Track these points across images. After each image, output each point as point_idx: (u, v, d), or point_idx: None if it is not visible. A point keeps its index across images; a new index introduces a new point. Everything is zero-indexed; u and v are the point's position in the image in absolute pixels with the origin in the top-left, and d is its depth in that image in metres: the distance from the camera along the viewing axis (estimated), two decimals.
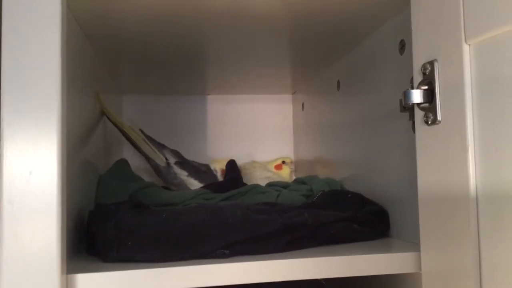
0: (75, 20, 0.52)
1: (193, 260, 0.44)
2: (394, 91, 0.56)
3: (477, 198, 0.38)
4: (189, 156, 0.91)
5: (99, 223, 0.47)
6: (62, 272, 0.38)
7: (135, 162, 0.85)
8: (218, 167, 0.88)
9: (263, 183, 0.78)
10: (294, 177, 0.96)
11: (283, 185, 0.75)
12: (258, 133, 1.05)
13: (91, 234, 0.49)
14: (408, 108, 0.47)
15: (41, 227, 0.37)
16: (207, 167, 0.86)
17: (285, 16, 0.54)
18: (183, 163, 0.83)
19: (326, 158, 0.84)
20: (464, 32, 0.39)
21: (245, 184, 0.78)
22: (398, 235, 0.55)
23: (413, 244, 0.50)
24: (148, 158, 0.81)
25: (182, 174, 0.81)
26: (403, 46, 0.54)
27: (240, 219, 0.48)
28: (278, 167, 0.94)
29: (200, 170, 0.83)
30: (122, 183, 0.65)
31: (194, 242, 0.45)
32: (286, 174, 0.95)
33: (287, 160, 0.97)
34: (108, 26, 0.56)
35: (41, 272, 0.37)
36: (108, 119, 0.73)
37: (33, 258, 0.37)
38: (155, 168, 0.82)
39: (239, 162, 0.96)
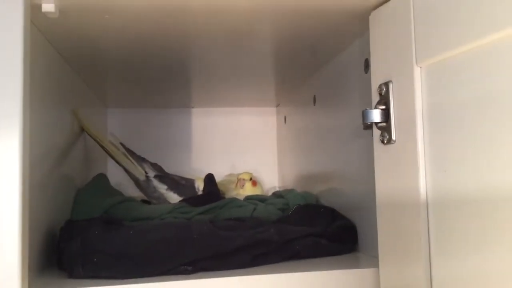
0: (47, 40, 0.53)
1: (155, 277, 0.45)
2: (361, 108, 0.57)
3: (428, 216, 0.39)
4: (174, 168, 0.93)
5: (66, 240, 0.49)
6: None
7: (120, 175, 0.86)
8: (201, 185, 0.87)
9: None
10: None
11: (261, 199, 0.76)
12: (243, 145, 1.06)
13: (59, 250, 0.50)
14: (369, 126, 0.48)
15: (3, 247, 0.38)
16: (188, 180, 0.86)
17: (265, 28, 0.56)
18: (163, 176, 0.84)
19: (305, 171, 0.85)
20: (415, 54, 0.40)
21: (223, 198, 0.79)
22: (367, 249, 0.56)
23: (378, 260, 0.51)
24: (128, 172, 0.82)
25: (162, 188, 0.82)
26: (368, 65, 0.55)
27: (205, 235, 0.49)
28: (254, 183, 0.90)
29: (179, 184, 0.84)
30: (98, 198, 0.66)
31: (158, 259, 0.46)
32: (250, 192, 0.87)
33: (245, 177, 0.89)
34: (83, 45, 0.57)
35: None
36: (88, 134, 0.74)
37: None
38: (136, 181, 0.83)
39: (223, 175, 0.97)
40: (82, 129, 0.73)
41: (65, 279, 0.46)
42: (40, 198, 0.50)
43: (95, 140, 0.76)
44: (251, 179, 0.87)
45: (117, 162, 0.81)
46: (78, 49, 0.59)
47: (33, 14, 0.43)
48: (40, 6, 0.43)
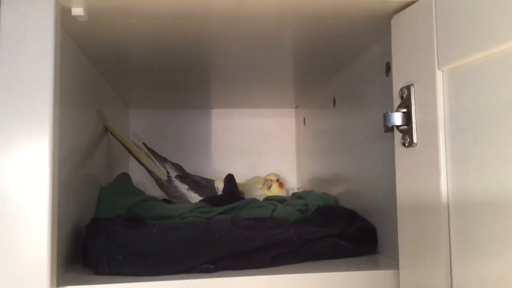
0: (74, 42, 0.55)
1: (179, 275, 0.46)
2: (382, 110, 0.57)
3: (449, 218, 0.39)
4: (193, 168, 0.94)
5: (92, 237, 0.50)
6: (51, 285, 0.40)
7: (141, 175, 0.88)
8: (221, 185, 0.89)
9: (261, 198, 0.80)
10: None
11: (280, 200, 0.76)
12: (261, 146, 1.07)
13: (85, 247, 0.51)
14: (390, 129, 0.49)
15: (33, 243, 0.40)
16: (208, 181, 0.88)
17: (285, 33, 0.56)
18: (184, 176, 0.85)
19: (324, 172, 0.85)
20: (437, 58, 0.40)
21: (242, 198, 0.80)
22: (386, 251, 0.57)
23: (398, 262, 0.51)
24: (150, 172, 0.84)
25: (183, 188, 0.83)
26: (389, 68, 0.55)
27: (226, 234, 0.49)
28: (281, 185, 0.91)
29: (200, 184, 0.85)
30: (122, 197, 0.67)
31: (181, 257, 0.47)
32: (277, 193, 0.87)
33: (273, 178, 0.90)
34: (108, 48, 0.59)
35: (32, 286, 0.39)
36: (112, 134, 0.76)
37: (25, 273, 0.39)
38: (157, 181, 0.85)
39: (243, 175, 0.98)
40: (106, 129, 0.75)
41: (91, 275, 0.47)
42: (66, 196, 0.51)
43: (118, 140, 0.78)
44: (278, 180, 0.88)
45: (139, 162, 0.83)
46: (103, 51, 0.60)
47: (63, 18, 0.45)
48: (69, 10, 0.44)
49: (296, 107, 1.08)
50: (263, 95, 0.95)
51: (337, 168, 0.77)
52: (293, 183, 1.08)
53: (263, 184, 0.88)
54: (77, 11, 0.44)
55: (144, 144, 0.88)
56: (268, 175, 0.90)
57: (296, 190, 1.00)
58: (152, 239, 0.48)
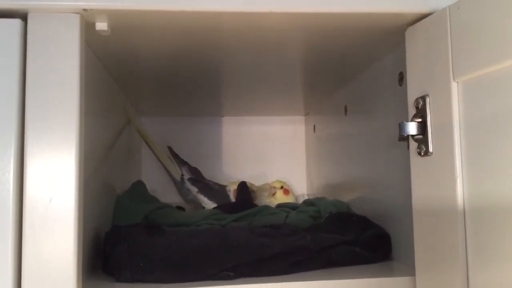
0: (93, 53, 0.56)
1: (199, 282, 0.47)
2: (395, 119, 0.58)
3: (465, 226, 0.40)
4: (204, 175, 0.96)
5: (113, 245, 0.51)
6: None
7: (153, 182, 0.90)
8: (232, 187, 0.91)
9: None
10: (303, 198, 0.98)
11: (292, 206, 0.77)
12: (271, 153, 1.08)
13: (106, 254, 0.52)
14: (404, 138, 0.50)
15: (60, 251, 0.41)
16: (220, 186, 0.90)
17: (296, 44, 0.58)
18: (195, 180, 0.88)
19: (335, 179, 0.86)
20: (452, 70, 0.42)
21: (255, 205, 0.81)
22: (400, 258, 0.57)
23: (413, 268, 0.52)
24: (167, 171, 0.90)
25: (193, 190, 0.87)
26: (402, 78, 0.56)
27: (245, 242, 0.51)
28: (286, 192, 0.93)
29: (213, 189, 0.88)
30: (138, 205, 0.68)
31: (201, 265, 0.48)
32: (282, 200, 0.89)
33: (276, 185, 0.92)
34: (125, 59, 0.60)
35: None
36: (135, 128, 0.81)
37: (52, 280, 0.40)
38: (174, 182, 0.91)
39: (253, 182, 0.99)
40: (128, 122, 0.80)
41: (113, 282, 0.49)
42: (86, 204, 0.52)
43: (140, 134, 0.84)
44: (282, 187, 0.89)
45: (158, 159, 0.90)
46: (120, 61, 0.62)
47: (86, 32, 0.46)
48: (93, 25, 0.46)
49: (306, 114, 1.09)
50: (273, 103, 0.96)
51: (349, 175, 0.78)
52: (303, 189, 1.09)
53: (269, 191, 0.90)
54: (101, 26, 0.46)
55: (168, 147, 0.95)
56: (273, 182, 0.91)
57: (306, 197, 1.01)
58: (172, 247, 0.49)
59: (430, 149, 0.44)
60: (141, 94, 0.85)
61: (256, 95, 0.87)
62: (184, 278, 0.48)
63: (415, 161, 0.47)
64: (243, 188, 0.84)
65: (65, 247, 0.41)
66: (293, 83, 0.80)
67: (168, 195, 0.92)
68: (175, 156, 0.93)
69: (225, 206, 0.79)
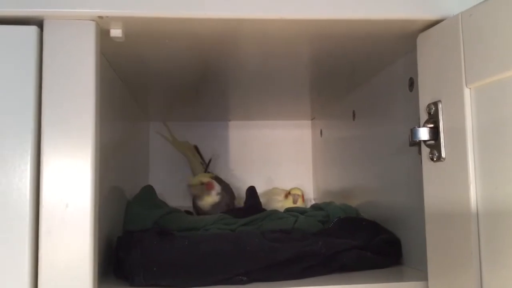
0: (105, 58, 0.57)
1: (212, 286, 0.48)
2: (405, 124, 0.59)
3: (478, 230, 0.40)
4: None
5: (126, 249, 0.51)
6: None
7: (160, 187, 0.90)
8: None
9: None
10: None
11: (301, 211, 0.77)
12: (278, 158, 1.09)
13: (119, 259, 0.52)
14: (416, 143, 0.50)
15: (76, 256, 0.41)
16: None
17: (306, 50, 0.58)
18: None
19: (343, 184, 0.87)
20: (465, 76, 0.42)
21: (263, 210, 0.81)
22: (411, 263, 0.58)
23: (424, 273, 0.52)
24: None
25: None
26: (412, 84, 0.57)
27: (257, 247, 0.51)
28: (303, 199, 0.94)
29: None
30: (148, 210, 0.69)
31: (214, 269, 0.49)
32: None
33: (292, 192, 0.92)
34: (137, 65, 0.61)
35: None
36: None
37: (69, 285, 0.41)
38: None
39: (259, 187, 0.99)
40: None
41: (127, 287, 0.49)
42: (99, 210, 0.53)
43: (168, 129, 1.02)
44: (302, 194, 0.91)
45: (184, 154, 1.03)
46: (131, 67, 0.62)
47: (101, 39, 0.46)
48: (108, 32, 0.46)
49: (312, 119, 1.09)
50: (279, 108, 0.96)
51: (357, 180, 0.79)
52: (310, 194, 1.09)
53: (285, 196, 0.90)
54: (116, 32, 0.46)
55: (195, 146, 1.05)
56: (292, 189, 0.92)
57: (313, 201, 1.01)
58: (185, 251, 0.50)
59: (443, 155, 0.44)
60: (149, 99, 0.85)
61: (263, 99, 0.88)
62: (197, 282, 0.48)
63: (428, 166, 0.47)
64: (252, 192, 0.84)
65: (82, 252, 0.41)
66: (301, 88, 0.80)
67: (175, 199, 0.92)
68: (200, 155, 1.05)
69: (233, 211, 0.79)
